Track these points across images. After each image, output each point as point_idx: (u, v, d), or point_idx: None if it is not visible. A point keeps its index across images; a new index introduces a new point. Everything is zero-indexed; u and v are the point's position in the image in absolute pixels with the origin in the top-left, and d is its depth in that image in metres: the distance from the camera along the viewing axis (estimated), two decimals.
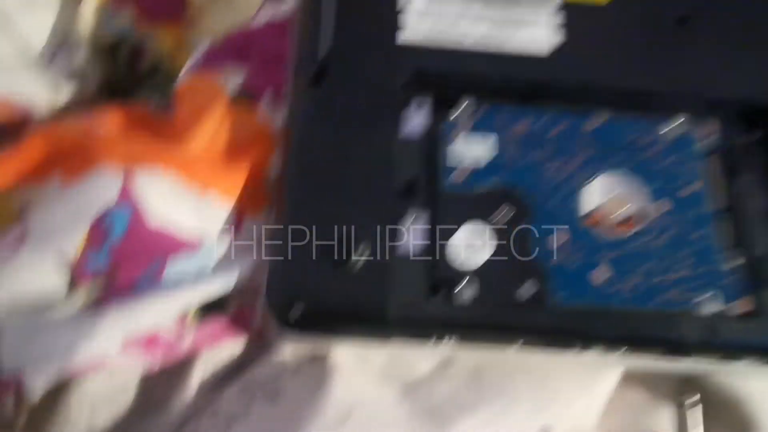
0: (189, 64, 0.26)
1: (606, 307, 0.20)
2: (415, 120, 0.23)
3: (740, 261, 0.20)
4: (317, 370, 0.21)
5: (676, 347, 0.20)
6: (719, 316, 0.20)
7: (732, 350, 0.20)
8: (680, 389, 0.22)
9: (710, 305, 0.20)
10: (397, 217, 0.21)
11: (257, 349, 0.22)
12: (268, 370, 0.21)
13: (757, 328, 0.20)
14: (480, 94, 0.23)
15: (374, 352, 0.21)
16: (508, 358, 0.21)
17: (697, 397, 0.21)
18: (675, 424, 0.22)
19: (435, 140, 0.23)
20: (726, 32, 0.24)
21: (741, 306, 0.20)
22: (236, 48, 0.26)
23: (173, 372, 0.21)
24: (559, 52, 0.24)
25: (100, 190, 0.21)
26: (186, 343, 0.21)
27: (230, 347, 0.22)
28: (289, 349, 0.22)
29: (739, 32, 0.24)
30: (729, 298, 0.20)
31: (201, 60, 0.26)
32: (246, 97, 0.24)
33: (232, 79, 0.25)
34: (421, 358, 0.22)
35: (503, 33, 0.24)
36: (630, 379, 0.22)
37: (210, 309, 0.21)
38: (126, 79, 0.30)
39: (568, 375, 0.21)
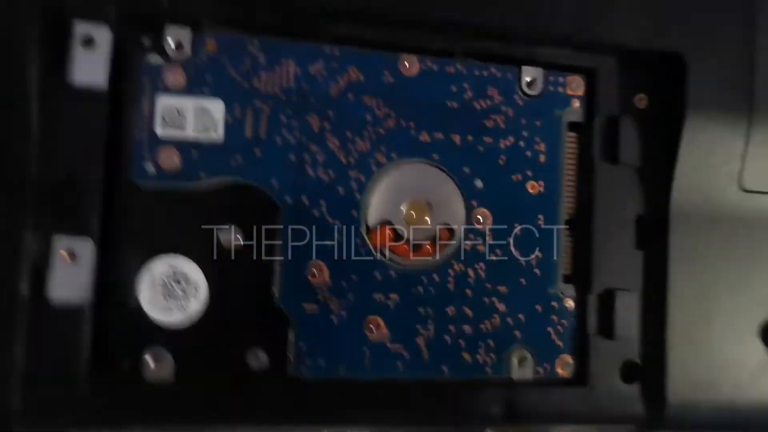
0: None
1: (377, 380, 0.14)
2: (87, 56, 0.13)
3: (569, 304, 0.16)
4: None
5: (471, 427, 0.15)
6: (532, 386, 0.15)
7: (546, 423, 0.16)
8: None
9: (521, 370, 0.15)
10: (41, 238, 0.13)
11: None
12: None
13: (578, 399, 0.15)
14: (206, 12, 0.14)
15: None
16: None
17: None
18: None
19: (119, 98, 0.14)
20: None
21: (560, 369, 0.15)
22: None
23: None
24: None
25: None
26: None
27: None
28: None
29: None
30: (548, 357, 0.15)
31: None
32: None
33: None
34: None
35: None
36: None
37: None
38: None
39: None
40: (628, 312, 0.16)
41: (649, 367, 0.16)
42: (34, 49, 0.13)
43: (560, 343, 0.16)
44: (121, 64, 0.14)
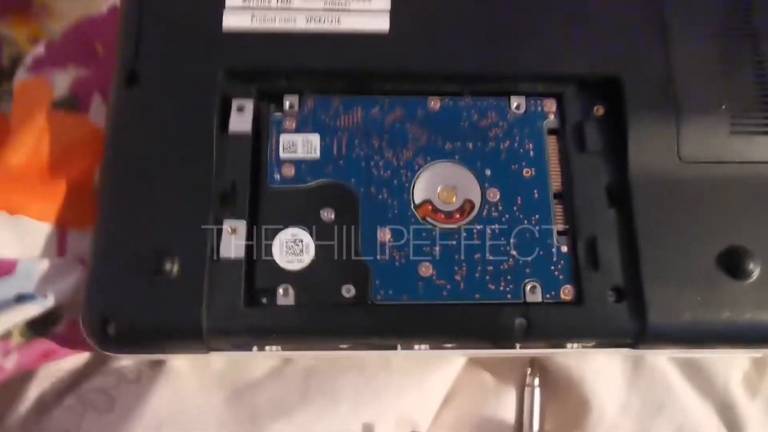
0: (24, 64, 0.26)
1: (430, 303, 0.21)
2: (240, 116, 0.22)
3: (564, 249, 0.21)
4: (153, 377, 0.22)
5: (500, 339, 0.21)
6: (542, 306, 0.21)
7: (556, 338, 0.21)
8: (524, 371, 0.24)
9: (533, 295, 0.21)
10: (216, 221, 0.21)
11: (95, 359, 0.23)
12: (105, 379, 0.22)
13: (579, 316, 0.21)
14: (307, 86, 0.23)
15: (213, 358, 0.21)
16: (342, 358, 0.23)
17: (536, 378, 0.23)
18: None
19: (259, 136, 0.22)
20: (565, 4, 0.25)
21: (563, 294, 0.21)
22: (76, 42, 0.26)
23: (4, 391, 0.22)
24: (399, 29, 0.23)
25: None
26: (12, 364, 0.21)
27: (72, 360, 0.23)
28: (127, 358, 0.22)
29: (577, 3, 0.25)
30: (551, 288, 0.21)
31: (32, 61, 0.26)
32: (72, 101, 0.25)
33: (60, 83, 0.25)
34: (259, 360, 0.23)
35: (338, 7, 0.24)
36: (475, 363, 0.24)
37: (40, 327, 0.22)
38: None
39: (399, 369, 0.23)
40: (610, 250, 0.21)
41: (631, 291, 0.21)
42: (214, 117, 0.22)
43: (561, 276, 0.21)
44: (260, 119, 0.23)
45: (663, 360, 0.24)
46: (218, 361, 0.23)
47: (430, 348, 0.21)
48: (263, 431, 0.22)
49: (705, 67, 0.23)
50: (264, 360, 0.23)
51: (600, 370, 0.23)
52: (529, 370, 0.23)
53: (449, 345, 0.21)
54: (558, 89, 0.23)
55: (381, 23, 0.23)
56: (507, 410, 0.23)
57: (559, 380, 0.24)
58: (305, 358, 0.23)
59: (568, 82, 0.23)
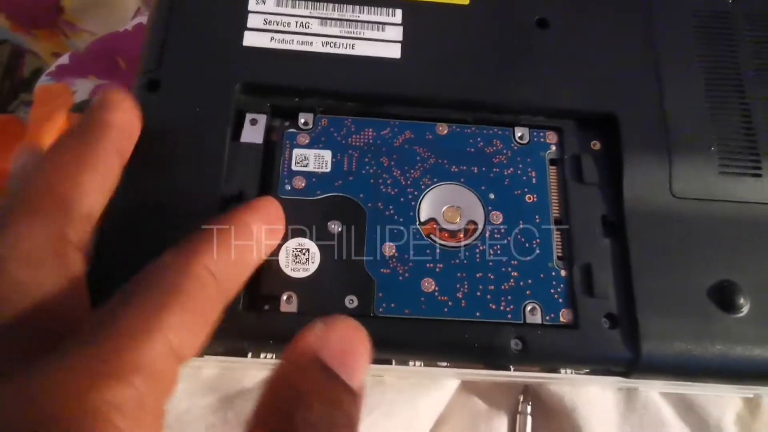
0: (48, 70, 0.28)
1: (431, 318, 0.21)
2: (253, 128, 0.23)
3: (563, 273, 0.22)
4: None
5: (496, 358, 0.21)
6: (538, 327, 0.21)
7: (549, 361, 0.21)
8: (516, 398, 0.24)
9: (532, 317, 0.21)
10: None
11: None
12: None
13: (574, 340, 0.21)
14: (320, 105, 0.24)
15: (206, 364, 0.21)
16: None
17: (529, 406, 0.23)
18: None
19: (270, 150, 0.23)
20: (573, 41, 0.26)
21: (562, 317, 0.21)
22: (100, 54, 0.28)
23: None
24: (410, 58, 0.25)
25: None
26: None
27: None
28: None
29: (584, 43, 0.26)
30: (550, 310, 0.21)
31: (56, 68, 0.28)
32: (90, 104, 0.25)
33: (81, 89, 0.26)
34: (250, 371, 0.23)
35: (353, 35, 0.25)
36: (468, 388, 0.24)
37: None
38: (6, 83, 0.31)
39: (392, 388, 0.23)
40: (604, 278, 0.22)
41: (625, 319, 0.21)
42: (228, 126, 0.23)
43: (560, 300, 0.21)
44: (271, 134, 0.23)
45: (656, 395, 0.24)
46: (209, 369, 0.22)
47: (424, 365, 0.21)
48: None
49: (696, 111, 0.25)
50: (256, 371, 0.23)
51: (593, 400, 0.23)
52: (521, 398, 0.24)
53: (444, 363, 0.21)
54: (558, 123, 0.25)
55: (393, 52, 0.25)
56: None
57: (551, 408, 0.24)
58: None
59: (567, 117, 0.25)
